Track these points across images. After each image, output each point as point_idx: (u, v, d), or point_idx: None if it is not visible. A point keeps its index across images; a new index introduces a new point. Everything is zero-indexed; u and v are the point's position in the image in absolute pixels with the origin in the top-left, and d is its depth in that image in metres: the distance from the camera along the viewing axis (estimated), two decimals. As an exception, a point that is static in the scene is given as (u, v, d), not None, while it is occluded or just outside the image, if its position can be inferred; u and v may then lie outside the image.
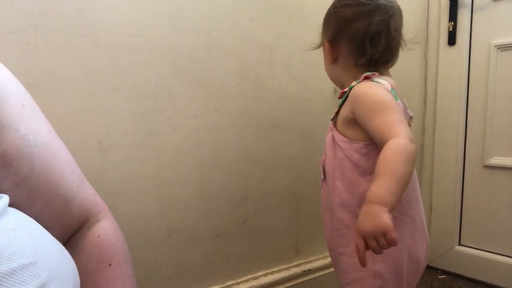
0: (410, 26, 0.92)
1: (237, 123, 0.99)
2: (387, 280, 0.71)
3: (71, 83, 0.74)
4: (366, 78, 0.75)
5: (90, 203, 0.53)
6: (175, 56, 0.87)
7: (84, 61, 0.75)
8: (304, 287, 1.15)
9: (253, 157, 1.03)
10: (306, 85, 1.13)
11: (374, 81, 0.75)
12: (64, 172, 0.48)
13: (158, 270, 0.89)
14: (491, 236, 1.35)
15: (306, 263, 1.19)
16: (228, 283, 1.02)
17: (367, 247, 0.58)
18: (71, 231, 0.51)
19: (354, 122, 0.73)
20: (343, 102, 0.77)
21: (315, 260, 1.21)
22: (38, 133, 0.46)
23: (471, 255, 1.38)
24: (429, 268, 1.47)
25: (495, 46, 1.29)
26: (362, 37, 0.76)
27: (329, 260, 1.22)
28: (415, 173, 0.73)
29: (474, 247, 1.39)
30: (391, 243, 0.56)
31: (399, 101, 0.73)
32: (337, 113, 0.79)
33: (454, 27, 1.37)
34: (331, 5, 0.83)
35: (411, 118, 0.77)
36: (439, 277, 1.42)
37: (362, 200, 0.61)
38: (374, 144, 0.70)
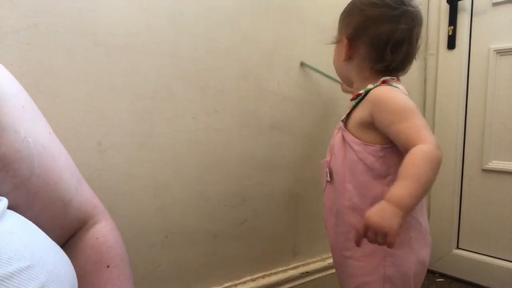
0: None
1: (236, 125, 0.99)
2: (397, 285, 0.71)
3: (71, 83, 0.74)
4: (384, 82, 0.74)
5: (89, 205, 0.53)
6: (175, 57, 0.87)
7: (84, 61, 0.75)
8: (301, 289, 1.15)
9: (252, 158, 1.03)
10: (305, 87, 1.13)
11: (392, 86, 0.73)
12: (63, 175, 0.48)
13: (156, 271, 0.88)
14: (489, 239, 1.35)
15: (303, 265, 1.19)
16: (226, 284, 1.02)
17: (365, 235, 0.60)
18: (69, 233, 0.51)
19: (371, 124, 0.71)
20: (357, 103, 0.76)
21: (312, 262, 1.21)
22: (37, 135, 0.46)
23: (469, 259, 1.39)
24: (427, 271, 1.47)
25: (494, 50, 1.30)
26: (384, 42, 0.74)
27: (327, 262, 1.22)
28: None
29: (472, 250, 1.40)
30: (389, 245, 0.57)
31: None
32: (348, 114, 0.78)
33: (454, 31, 1.38)
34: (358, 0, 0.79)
35: None
36: (437, 280, 1.42)
37: (374, 203, 0.61)
38: (391, 148, 0.70)
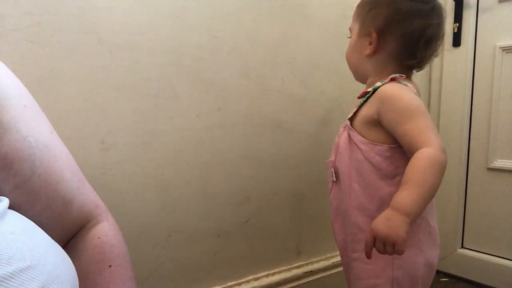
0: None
1: (240, 123, 0.99)
2: (405, 287, 0.70)
3: (74, 81, 0.73)
4: (393, 79, 0.72)
5: (90, 205, 0.53)
6: (178, 55, 0.86)
7: (87, 59, 0.75)
8: (305, 288, 1.15)
9: (255, 157, 1.03)
10: (309, 85, 1.12)
11: (401, 83, 0.71)
12: (65, 174, 0.48)
13: (159, 270, 0.88)
14: (494, 239, 1.34)
15: (307, 264, 1.18)
16: (229, 283, 1.02)
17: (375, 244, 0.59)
18: (71, 233, 0.51)
19: (377, 123, 0.70)
20: (364, 101, 0.74)
21: (316, 261, 1.21)
22: (39, 134, 0.46)
23: (474, 258, 1.38)
24: (431, 270, 1.46)
25: (500, 47, 1.28)
26: (417, 38, 0.71)
27: (331, 261, 1.22)
28: None
29: (477, 250, 1.39)
30: (398, 253, 0.56)
31: None
32: (355, 112, 0.76)
33: (459, 28, 1.36)
34: None
35: None
36: (441, 279, 1.41)
37: (382, 204, 0.60)
38: (398, 148, 0.68)
